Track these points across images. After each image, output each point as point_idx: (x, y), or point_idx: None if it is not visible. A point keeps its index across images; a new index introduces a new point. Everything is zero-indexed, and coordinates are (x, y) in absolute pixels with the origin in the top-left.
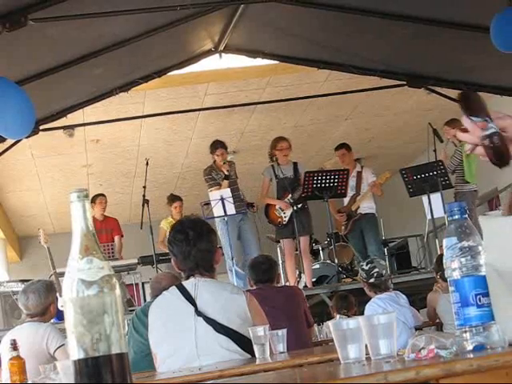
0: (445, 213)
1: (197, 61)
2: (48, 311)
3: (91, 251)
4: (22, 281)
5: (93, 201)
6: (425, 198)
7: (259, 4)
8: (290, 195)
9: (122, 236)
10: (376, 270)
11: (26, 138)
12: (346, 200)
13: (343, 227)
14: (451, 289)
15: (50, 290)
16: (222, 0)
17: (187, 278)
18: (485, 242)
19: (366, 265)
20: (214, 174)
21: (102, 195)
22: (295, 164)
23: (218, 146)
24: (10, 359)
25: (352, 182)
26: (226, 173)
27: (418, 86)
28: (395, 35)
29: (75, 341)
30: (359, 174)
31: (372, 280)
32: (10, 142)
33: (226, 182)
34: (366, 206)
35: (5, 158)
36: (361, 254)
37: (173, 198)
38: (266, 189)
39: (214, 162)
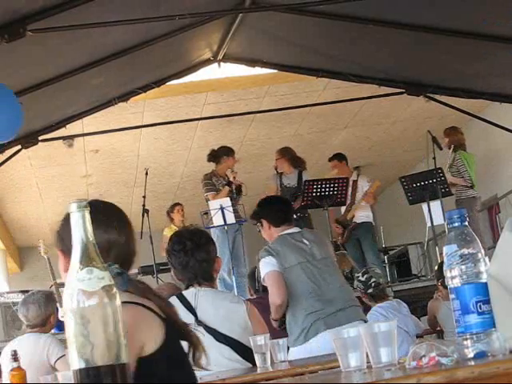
0: (445, 220)
1: (196, 70)
2: (48, 322)
3: (91, 261)
4: (23, 291)
5: None
6: (424, 206)
7: (258, 13)
8: (292, 203)
9: None
10: (373, 279)
11: (26, 148)
12: (343, 209)
13: (340, 236)
14: (452, 296)
15: (49, 300)
16: (220, 9)
17: (187, 287)
18: (496, 252)
19: (363, 275)
20: (214, 180)
21: None
22: (300, 172)
23: (233, 151)
24: (11, 370)
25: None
26: (231, 179)
27: (416, 93)
28: (394, 43)
29: (76, 351)
30: (355, 182)
31: (370, 290)
32: (9, 152)
33: (226, 189)
34: (362, 215)
35: (4, 169)
36: (358, 263)
37: (172, 206)
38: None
39: (214, 169)
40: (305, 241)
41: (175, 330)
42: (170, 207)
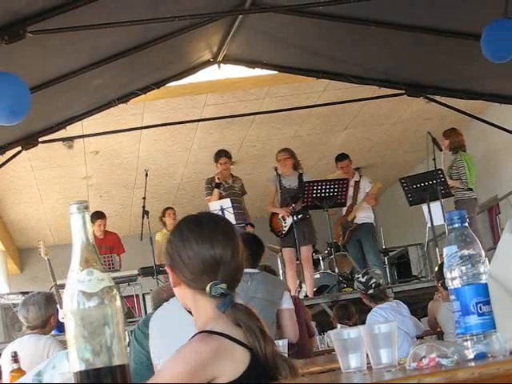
0: (445, 221)
1: (195, 71)
2: (48, 323)
3: (91, 263)
4: (23, 293)
5: (92, 221)
6: (425, 207)
7: (257, 14)
8: (294, 205)
9: (124, 252)
10: (373, 280)
11: (26, 149)
12: (345, 210)
13: (341, 237)
14: (452, 297)
15: (50, 302)
16: (220, 11)
17: None
18: (497, 253)
19: (363, 276)
20: (213, 184)
21: (101, 216)
22: (300, 174)
23: (221, 154)
24: (11, 371)
25: (349, 191)
26: (217, 181)
27: (416, 94)
28: (394, 44)
29: (76, 352)
30: (357, 183)
31: (371, 291)
32: (9, 154)
33: (216, 191)
34: (363, 216)
35: (4, 171)
36: (359, 263)
37: (164, 210)
38: (273, 197)
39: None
40: (248, 281)
41: (261, 360)
42: (162, 212)
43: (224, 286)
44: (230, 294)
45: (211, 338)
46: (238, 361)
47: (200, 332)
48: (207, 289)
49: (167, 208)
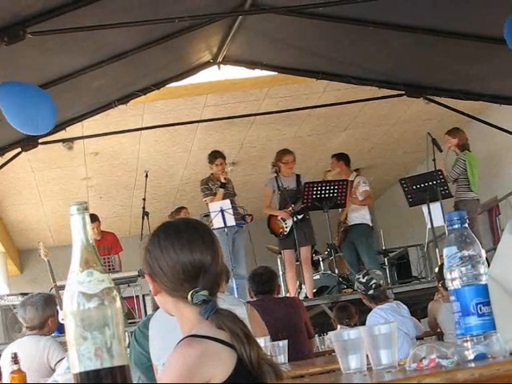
0: (445, 222)
1: (195, 72)
2: (46, 324)
3: (91, 264)
4: (23, 294)
5: None
6: (425, 208)
7: (257, 15)
8: (293, 205)
9: (122, 250)
10: (374, 281)
11: (25, 151)
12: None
13: (337, 238)
14: (452, 298)
15: (48, 303)
16: (220, 12)
17: None
18: (497, 254)
19: (363, 277)
20: (210, 184)
21: (94, 220)
22: (298, 176)
23: (216, 155)
24: (11, 373)
25: None
26: (223, 181)
27: (416, 95)
28: (394, 45)
29: (76, 353)
30: (351, 183)
31: (371, 292)
32: (9, 155)
33: (221, 191)
34: (356, 217)
35: (4, 172)
36: (352, 266)
37: (177, 209)
38: (269, 200)
39: (212, 173)
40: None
41: (246, 363)
42: (176, 210)
43: (205, 292)
44: (212, 300)
45: (196, 342)
46: (225, 361)
47: (185, 337)
48: (188, 297)
49: (181, 207)
